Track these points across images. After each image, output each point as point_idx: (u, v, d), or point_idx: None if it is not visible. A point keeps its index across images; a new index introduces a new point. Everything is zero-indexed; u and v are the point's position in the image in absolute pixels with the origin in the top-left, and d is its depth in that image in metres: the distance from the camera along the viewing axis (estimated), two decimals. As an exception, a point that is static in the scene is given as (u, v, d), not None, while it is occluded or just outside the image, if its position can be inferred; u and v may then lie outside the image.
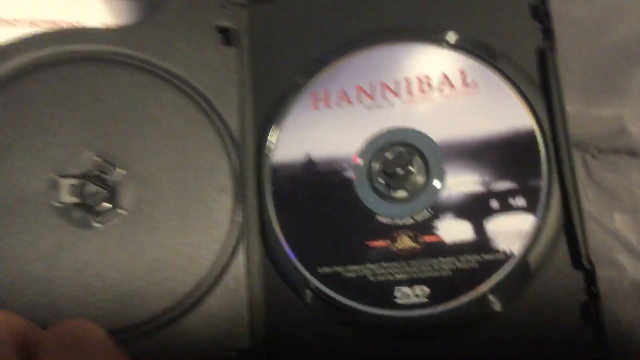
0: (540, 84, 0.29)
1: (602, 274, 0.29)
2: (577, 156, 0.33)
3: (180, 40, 0.31)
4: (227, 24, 0.32)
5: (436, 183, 0.29)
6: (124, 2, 0.35)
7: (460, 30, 0.30)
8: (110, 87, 0.29)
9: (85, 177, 0.28)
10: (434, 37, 0.30)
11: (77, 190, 0.28)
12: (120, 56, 0.30)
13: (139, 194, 0.29)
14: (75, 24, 0.32)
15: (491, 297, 0.27)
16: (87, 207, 0.28)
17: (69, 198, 0.28)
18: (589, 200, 0.32)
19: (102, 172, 0.29)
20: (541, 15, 0.29)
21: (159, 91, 0.30)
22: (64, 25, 0.32)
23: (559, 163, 0.28)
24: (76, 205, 0.28)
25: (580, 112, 0.33)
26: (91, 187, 0.28)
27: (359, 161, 0.30)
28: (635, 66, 0.34)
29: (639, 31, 0.34)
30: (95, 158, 0.29)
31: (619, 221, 0.33)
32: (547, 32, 0.29)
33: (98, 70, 0.30)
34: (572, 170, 0.28)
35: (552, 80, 0.28)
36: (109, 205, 0.29)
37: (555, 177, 0.28)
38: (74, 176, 0.28)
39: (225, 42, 0.32)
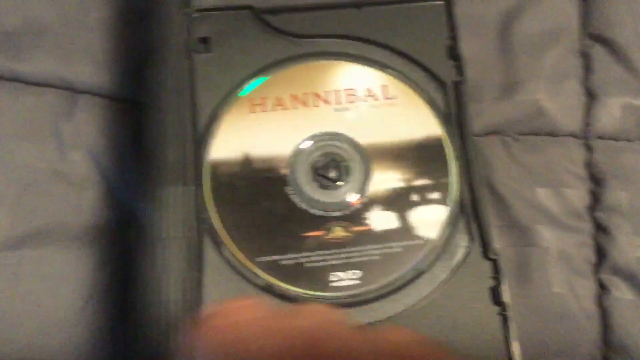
0: (455, 109, 0.34)
1: (531, 245, 0.35)
2: (499, 140, 0.37)
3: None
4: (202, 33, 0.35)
5: (363, 180, 0.33)
6: None
7: (387, 58, 0.35)
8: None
9: None
10: (363, 58, 0.35)
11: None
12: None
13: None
14: None
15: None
16: None
17: None
18: (513, 179, 0.36)
19: None
20: (454, 55, 0.35)
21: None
22: None
23: (467, 164, 0.33)
24: None
25: (499, 101, 0.38)
26: None
27: (292, 161, 0.33)
28: (543, 53, 0.38)
29: (540, 23, 0.39)
30: None
31: (541, 195, 0.36)
32: (459, 68, 0.35)
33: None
34: (476, 170, 0.33)
35: (462, 106, 0.34)
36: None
37: (461, 174, 0.33)
38: None
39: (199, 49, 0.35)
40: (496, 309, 0.31)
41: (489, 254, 0.32)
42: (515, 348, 0.31)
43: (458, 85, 0.35)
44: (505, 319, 0.31)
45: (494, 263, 0.32)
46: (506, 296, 0.31)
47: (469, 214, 0.33)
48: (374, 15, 0.36)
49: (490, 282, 0.32)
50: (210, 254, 0.32)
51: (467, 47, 0.36)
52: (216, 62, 0.35)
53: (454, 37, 0.36)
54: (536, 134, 0.38)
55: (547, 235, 0.36)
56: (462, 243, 0.32)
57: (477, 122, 0.36)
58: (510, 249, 0.35)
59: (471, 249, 0.32)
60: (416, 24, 0.36)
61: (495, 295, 0.32)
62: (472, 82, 0.36)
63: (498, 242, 0.33)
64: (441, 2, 0.36)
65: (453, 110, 0.35)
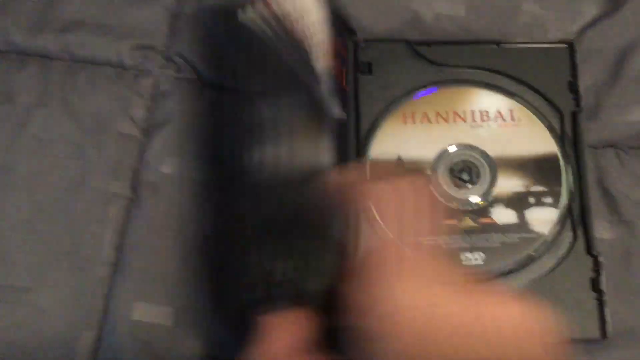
0: (572, 133, 0.43)
1: (635, 237, 0.42)
2: (613, 152, 0.44)
3: None
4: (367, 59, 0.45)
5: (490, 183, 0.42)
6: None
7: (515, 88, 0.44)
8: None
9: None
10: (495, 87, 0.44)
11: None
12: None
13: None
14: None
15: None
16: None
17: None
18: (623, 184, 0.43)
19: None
20: (574, 89, 0.44)
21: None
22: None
23: (580, 177, 0.41)
24: None
25: (614, 120, 0.45)
26: None
27: (435, 164, 0.42)
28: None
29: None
30: None
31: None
32: (577, 101, 0.43)
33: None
34: (587, 184, 0.41)
35: (578, 131, 0.42)
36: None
37: (571, 184, 0.41)
38: None
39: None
40: (594, 294, 0.39)
41: (591, 251, 0.40)
42: (609, 327, 0.39)
43: (576, 114, 0.43)
44: (601, 304, 0.39)
45: (595, 258, 0.40)
46: (603, 285, 0.40)
47: (575, 217, 0.41)
48: (509, 52, 0.45)
49: (591, 274, 0.40)
50: (367, 233, 0.41)
51: (589, 75, 0.44)
52: (376, 82, 0.44)
53: (574, 75, 0.44)
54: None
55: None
56: (567, 240, 0.41)
57: (595, 137, 0.44)
58: (617, 241, 0.42)
59: (575, 245, 0.40)
60: (543, 61, 0.45)
61: (595, 284, 0.40)
62: (590, 103, 0.44)
63: (608, 235, 0.41)
64: (565, 46, 0.45)
65: (569, 133, 0.43)
